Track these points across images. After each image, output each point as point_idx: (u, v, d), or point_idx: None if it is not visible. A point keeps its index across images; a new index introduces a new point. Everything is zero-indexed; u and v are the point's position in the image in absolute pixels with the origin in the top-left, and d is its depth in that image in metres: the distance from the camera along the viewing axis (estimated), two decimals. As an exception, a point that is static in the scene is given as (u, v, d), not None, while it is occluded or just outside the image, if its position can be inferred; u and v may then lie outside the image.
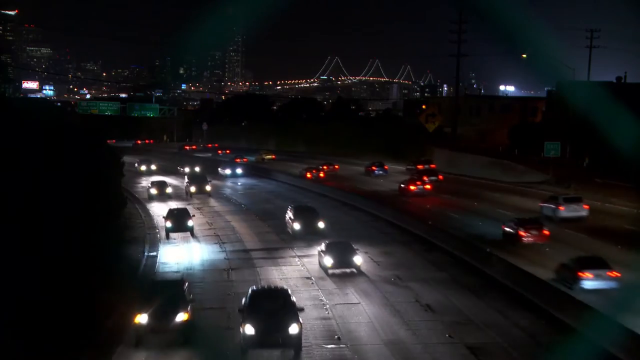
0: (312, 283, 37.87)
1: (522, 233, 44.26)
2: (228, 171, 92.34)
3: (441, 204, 63.31)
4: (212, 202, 70.36)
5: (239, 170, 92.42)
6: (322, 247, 40.89)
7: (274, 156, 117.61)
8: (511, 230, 45.17)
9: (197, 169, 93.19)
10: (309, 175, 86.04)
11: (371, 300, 34.25)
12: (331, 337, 29.06)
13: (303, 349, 27.42)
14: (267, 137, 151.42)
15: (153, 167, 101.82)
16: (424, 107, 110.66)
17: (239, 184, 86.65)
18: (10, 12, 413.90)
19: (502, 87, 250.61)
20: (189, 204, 64.19)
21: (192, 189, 72.42)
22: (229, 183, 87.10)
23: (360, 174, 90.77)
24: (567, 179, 69.90)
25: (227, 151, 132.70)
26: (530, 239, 44.11)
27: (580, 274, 33.16)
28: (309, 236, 48.22)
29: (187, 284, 31.31)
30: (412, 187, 70.09)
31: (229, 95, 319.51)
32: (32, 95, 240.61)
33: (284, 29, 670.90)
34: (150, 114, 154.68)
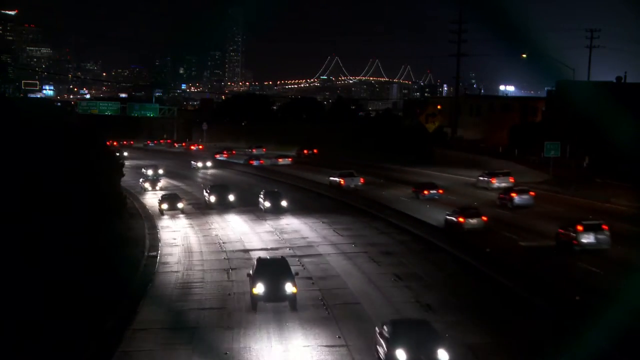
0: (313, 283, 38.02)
1: (342, 182, 74.87)
2: None
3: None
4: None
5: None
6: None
7: None
8: (336, 179, 76.60)
9: None
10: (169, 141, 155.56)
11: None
12: (333, 336, 29.12)
13: (303, 348, 27.38)
14: (267, 137, 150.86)
15: None
16: (430, 109, 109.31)
17: None
18: (10, 12, 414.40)
19: (502, 87, 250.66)
20: None
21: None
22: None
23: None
24: (569, 181, 69.81)
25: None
26: (343, 183, 74.31)
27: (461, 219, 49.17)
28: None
29: None
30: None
31: (229, 95, 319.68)
32: (32, 95, 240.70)
33: (284, 29, 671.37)
34: (150, 114, 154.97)
